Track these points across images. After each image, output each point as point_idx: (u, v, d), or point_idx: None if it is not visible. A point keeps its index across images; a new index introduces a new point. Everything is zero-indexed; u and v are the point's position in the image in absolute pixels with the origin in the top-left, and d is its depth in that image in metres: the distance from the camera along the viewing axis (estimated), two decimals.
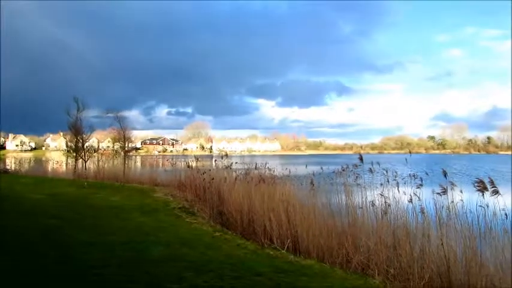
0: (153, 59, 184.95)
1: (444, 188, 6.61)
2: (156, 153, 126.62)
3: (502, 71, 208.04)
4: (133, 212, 10.43)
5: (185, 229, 8.97)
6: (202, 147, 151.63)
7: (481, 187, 6.03)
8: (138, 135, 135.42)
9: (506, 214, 5.92)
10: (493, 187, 5.98)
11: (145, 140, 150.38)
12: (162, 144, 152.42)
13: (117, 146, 27.36)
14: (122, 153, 25.29)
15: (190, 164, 17.60)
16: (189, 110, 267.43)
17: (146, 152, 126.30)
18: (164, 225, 9.13)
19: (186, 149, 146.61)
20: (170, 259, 6.16)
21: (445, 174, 6.79)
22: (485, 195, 6.11)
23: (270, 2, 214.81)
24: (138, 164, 34.18)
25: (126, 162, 24.54)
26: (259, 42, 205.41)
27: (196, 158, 18.96)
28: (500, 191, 5.89)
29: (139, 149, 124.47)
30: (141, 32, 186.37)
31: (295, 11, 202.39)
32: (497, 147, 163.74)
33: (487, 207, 6.08)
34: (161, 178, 19.91)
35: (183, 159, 22.96)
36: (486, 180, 6.08)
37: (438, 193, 6.70)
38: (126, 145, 25.66)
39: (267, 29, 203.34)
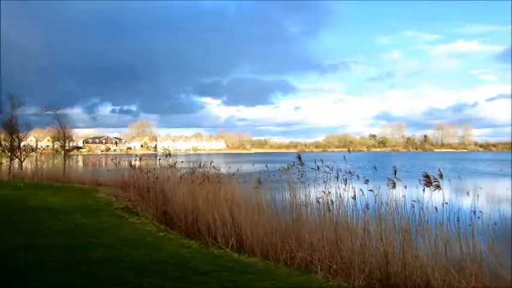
0: (98, 55, 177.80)
1: (389, 184, 6.88)
2: (99, 152, 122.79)
3: (437, 73, 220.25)
4: (73, 213, 10.06)
5: (128, 229, 8.78)
6: (147, 146, 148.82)
7: (427, 181, 6.27)
8: (80, 134, 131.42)
9: (436, 208, 6.23)
10: (435, 181, 6.25)
11: (87, 139, 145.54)
12: (105, 143, 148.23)
13: (57, 145, 26.23)
14: (62, 152, 24.27)
15: (133, 163, 17.23)
16: (134, 108, 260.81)
17: (88, 151, 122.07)
18: (106, 226, 8.89)
19: (130, 148, 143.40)
20: (113, 260, 6.02)
21: (395, 172, 7.04)
22: (423, 190, 6.43)
23: (218, 2, 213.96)
24: (80, 163, 33.12)
25: (67, 161, 23.60)
26: (206, 41, 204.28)
27: (140, 157, 18.59)
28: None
29: (81, 148, 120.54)
30: (86, 28, 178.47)
31: (243, 11, 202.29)
32: (432, 145, 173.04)
33: (419, 202, 6.38)
34: (104, 178, 19.39)
35: (126, 159, 22.46)
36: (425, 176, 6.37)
37: (378, 188, 6.96)
38: (67, 144, 24.66)
39: (214, 28, 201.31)
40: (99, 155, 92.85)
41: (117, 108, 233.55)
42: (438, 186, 6.15)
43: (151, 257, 6.48)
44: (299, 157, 8.38)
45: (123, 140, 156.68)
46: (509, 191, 6.76)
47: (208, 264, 6.32)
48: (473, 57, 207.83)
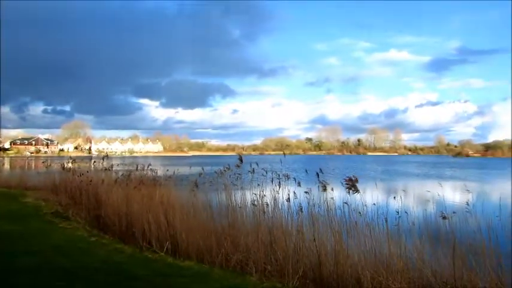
0: (29, 53, 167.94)
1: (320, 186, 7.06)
2: (28, 154, 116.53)
3: (371, 79, 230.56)
4: None
5: (58, 235, 8.46)
6: (81, 148, 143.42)
7: (350, 185, 6.49)
8: (7, 135, 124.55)
9: (361, 211, 6.49)
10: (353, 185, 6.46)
11: (15, 140, 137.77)
12: (35, 144, 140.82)
13: None
14: None
15: (65, 165, 16.53)
16: (68, 108, 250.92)
17: (16, 153, 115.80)
18: (35, 232, 8.54)
19: (62, 150, 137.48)
20: (41, 268, 5.82)
21: (317, 174, 7.20)
22: (351, 192, 6.66)
23: (159, 2, 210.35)
24: (7, 166, 31.40)
25: None
26: (145, 41, 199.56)
27: (73, 159, 17.89)
28: (361, 189, 6.38)
29: (7, 149, 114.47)
30: (18, 23, 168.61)
31: (183, 12, 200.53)
32: (366, 148, 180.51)
33: (350, 204, 6.61)
34: (33, 181, 18.46)
35: (58, 161, 21.50)
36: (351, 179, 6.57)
37: (310, 191, 7.13)
38: None
39: (154, 28, 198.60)
40: (28, 157, 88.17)
41: (50, 108, 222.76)
42: (357, 190, 6.33)
43: (83, 263, 6.31)
44: (240, 159, 8.38)
45: (55, 142, 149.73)
46: (431, 192, 7.17)
47: (142, 268, 6.24)
48: (404, 66, 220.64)
